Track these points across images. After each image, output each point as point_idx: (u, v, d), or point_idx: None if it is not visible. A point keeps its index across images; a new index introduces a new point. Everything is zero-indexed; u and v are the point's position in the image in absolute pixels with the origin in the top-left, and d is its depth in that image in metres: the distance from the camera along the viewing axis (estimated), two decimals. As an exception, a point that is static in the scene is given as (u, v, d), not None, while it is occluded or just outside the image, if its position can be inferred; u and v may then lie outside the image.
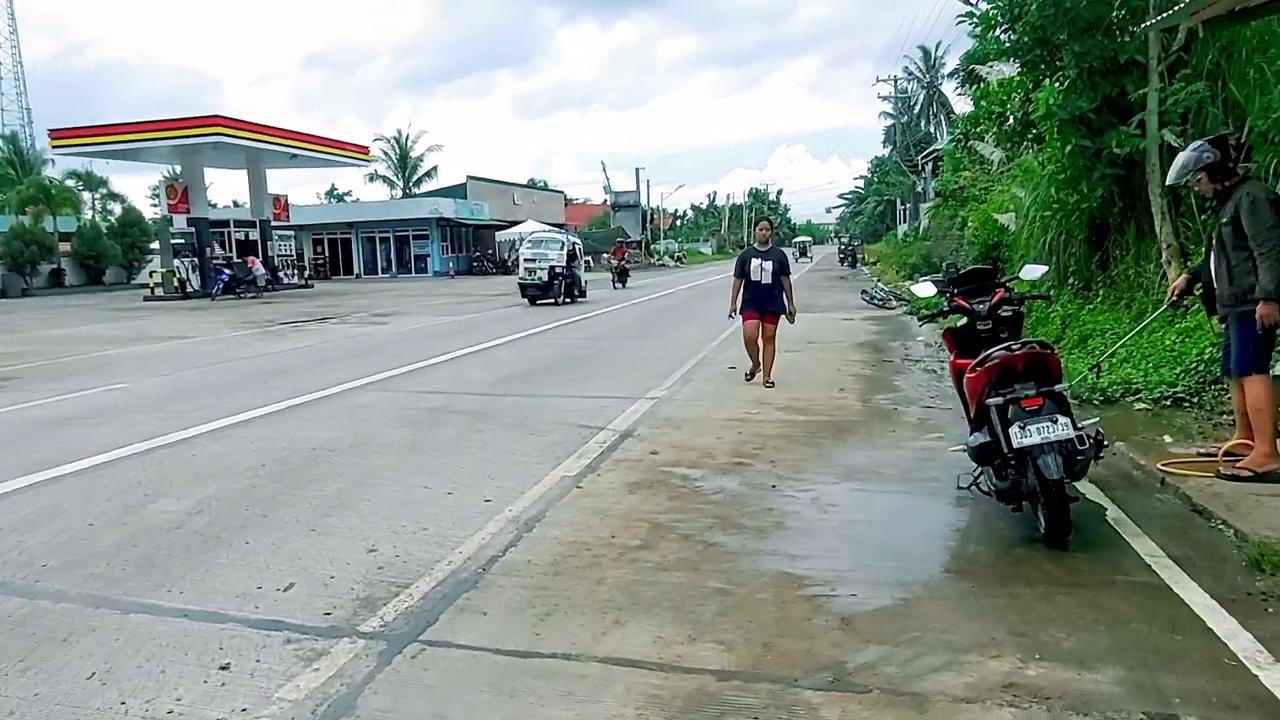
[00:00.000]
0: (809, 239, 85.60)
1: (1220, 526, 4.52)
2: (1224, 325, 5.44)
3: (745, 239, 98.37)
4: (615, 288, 29.13)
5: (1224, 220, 5.09)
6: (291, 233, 42.95)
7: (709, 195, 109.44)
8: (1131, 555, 4.25)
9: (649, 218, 67.09)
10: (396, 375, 10.83)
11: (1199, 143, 5.33)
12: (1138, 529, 4.59)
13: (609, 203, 68.51)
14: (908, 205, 49.54)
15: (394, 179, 61.19)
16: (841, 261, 45.37)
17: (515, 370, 11.15)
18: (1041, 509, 4.33)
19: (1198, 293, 5.69)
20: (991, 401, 4.44)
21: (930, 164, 38.49)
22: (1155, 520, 4.73)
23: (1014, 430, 4.28)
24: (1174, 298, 5.86)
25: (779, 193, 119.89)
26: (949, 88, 51.81)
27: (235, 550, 4.63)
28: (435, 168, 61.47)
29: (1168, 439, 6.20)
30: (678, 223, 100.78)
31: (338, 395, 9.42)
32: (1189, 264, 5.87)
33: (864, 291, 21.07)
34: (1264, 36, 9.88)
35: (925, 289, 5.63)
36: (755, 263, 9.46)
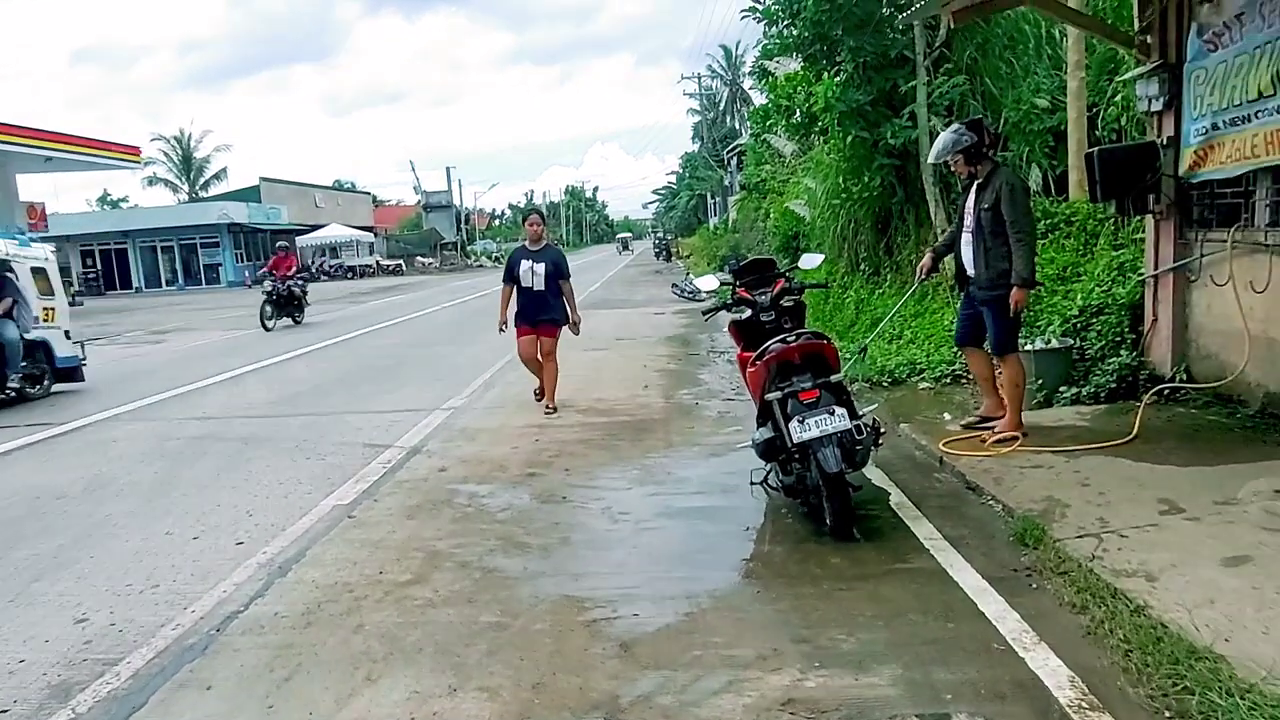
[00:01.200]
0: (630, 234, 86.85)
1: (990, 502, 4.64)
2: (968, 300, 5.67)
3: (564, 236, 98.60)
4: (265, 326, 17.28)
5: (985, 206, 5.26)
6: (53, 245, 38.30)
7: (526, 194, 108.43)
8: (912, 540, 4.25)
9: (464, 218, 65.35)
10: (163, 400, 9.67)
11: (958, 125, 5.55)
12: (918, 511, 4.64)
13: (421, 203, 66.16)
14: (718, 199, 51.10)
15: (178, 182, 56.09)
16: (657, 256, 46.11)
17: (304, 386, 10.25)
18: (825, 502, 4.26)
19: (942, 270, 5.92)
20: (771, 396, 4.33)
21: (735, 158, 39.78)
22: (934, 501, 4.80)
23: (793, 424, 4.18)
24: (923, 276, 6.10)
25: (595, 190, 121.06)
26: (749, 85, 53.91)
27: (-103, 639, 3.76)
28: (225, 169, 56.78)
29: (947, 416, 6.43)
30: (495, 222, 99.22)
31: (88, 428, 8.25)
32: (932, 244, 6.24)
33: (674, 285, 21.31)
34: (1012, 35, 10.66)
35: (709, 282, 5.50)
36: (525, 265, 7.86)
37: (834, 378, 4.35)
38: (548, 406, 7.91)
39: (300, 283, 18.84)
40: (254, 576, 4.26)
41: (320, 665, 3.33)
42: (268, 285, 18.22)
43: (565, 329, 8.16)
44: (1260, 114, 4.99)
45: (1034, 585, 3.65)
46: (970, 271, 5.53)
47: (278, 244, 20.56)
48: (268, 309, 17.81)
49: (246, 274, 43.36)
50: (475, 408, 8.37)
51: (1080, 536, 3.91)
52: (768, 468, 4.73)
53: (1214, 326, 5.72)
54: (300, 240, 48.27)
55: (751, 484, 4.90)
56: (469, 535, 4.73)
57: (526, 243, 8.09)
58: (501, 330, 8.16)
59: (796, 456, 4.34)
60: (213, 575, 4.30)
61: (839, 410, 4.17)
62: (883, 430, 4.68)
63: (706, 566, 4.12)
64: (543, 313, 7.90)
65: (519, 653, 3.34)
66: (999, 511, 4.50)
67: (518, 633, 3.52)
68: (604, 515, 4.96)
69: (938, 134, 9.72)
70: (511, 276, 7.94)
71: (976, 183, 5.39)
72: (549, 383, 8.01)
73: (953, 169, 5.54)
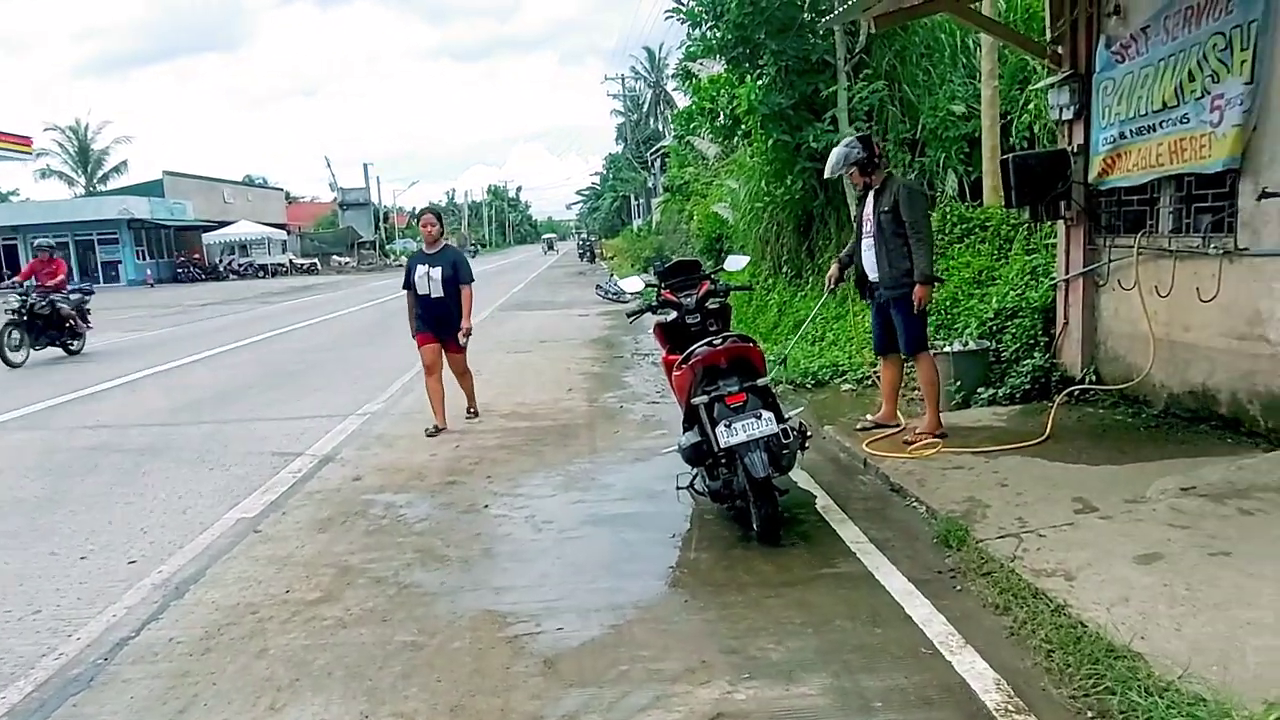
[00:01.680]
0: (554, 235, 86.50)
1: (914, 504, 4.67)
2: (878, 309, 5.79)
3: (487, 237, 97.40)
4: (7, 359, 12.16)
5: (884, 209, 5.42)
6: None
7: (447, 193, 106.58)
8: (838, 544, 4.24)
9: (383, 216, 63.85)
10: (51, 407, 9.07)
11: (849, 139, 5.75)
12: (844, 515, 4.63)
13: (337, 201, 64.34)
14: (641, 200, 51.21)
15: (74, 175, 53.12)
16: (581, 257, 45.90)
17: (207, 392, 9.75)
18: (752, 507, 4.20)
19: (849, 278, 6.03)
20: (698, 400, 4.26)
21: (659, 160, 39.89)
22: (859, 504, 4.81)
23: (720, 429, 4.11)
24: (831, 286, 6.21)
25: (518, 190, 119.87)
26: (673, 87, 54.20)
27: None
28: (125, 162, 53.95)
29: (869, 418, 6.47)
30: (415, 221, 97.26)
31: (-38, 439, 7.64)
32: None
33: (599, 286, 21.20)
34: (929, 43, 10.91)
35: (634, 284, 5.41)
36: (421, 271, 7.00)
37: (761, 381, 4.31)
38: (469, 411, 7.56)
39: (74, 297, 13.67)
40: (147, 599, 3.97)
41: (219, 695, 3.09)
42: (14, 300, 12.78)
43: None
44: (1164, 124, 5.17)
45: (958, 587, 3.66)
46: (873, 276, 5.67)
47: (36, 243, 14.23)
48: (14, 334, 12.46)
49: (149, 273, 41.47)
50: (393, 413, 8.09)
51: (1001, 537, 3.95)
52: (694, 472, 4.65)
53: (1121, 329, 5.91)
54: (207, 237, 46.37)
55: (678, 489, 4.82)
56: (384, 549, 4.51)
57: (423, 245, 7.30)
58: (414, 338, 7.43)
59: (724, 461, 4.28)
60: (101, 598, 3.99)
61: (766, 414, 4.12)
62: (809, 434, 4.67)
63: (632, 576, 4.02)
64: (446, 326, 7.12)
65: (436, 674, 3.17)
66: (923, 513, 4.53)
67: (435, 652, 3.35)
68: (527, 524, 4.81)
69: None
70: (410, 283, 7.17)
71: (873, 191, 5.57)
72: (468, 390, 7.59)
73: (849, 180, 5.66)
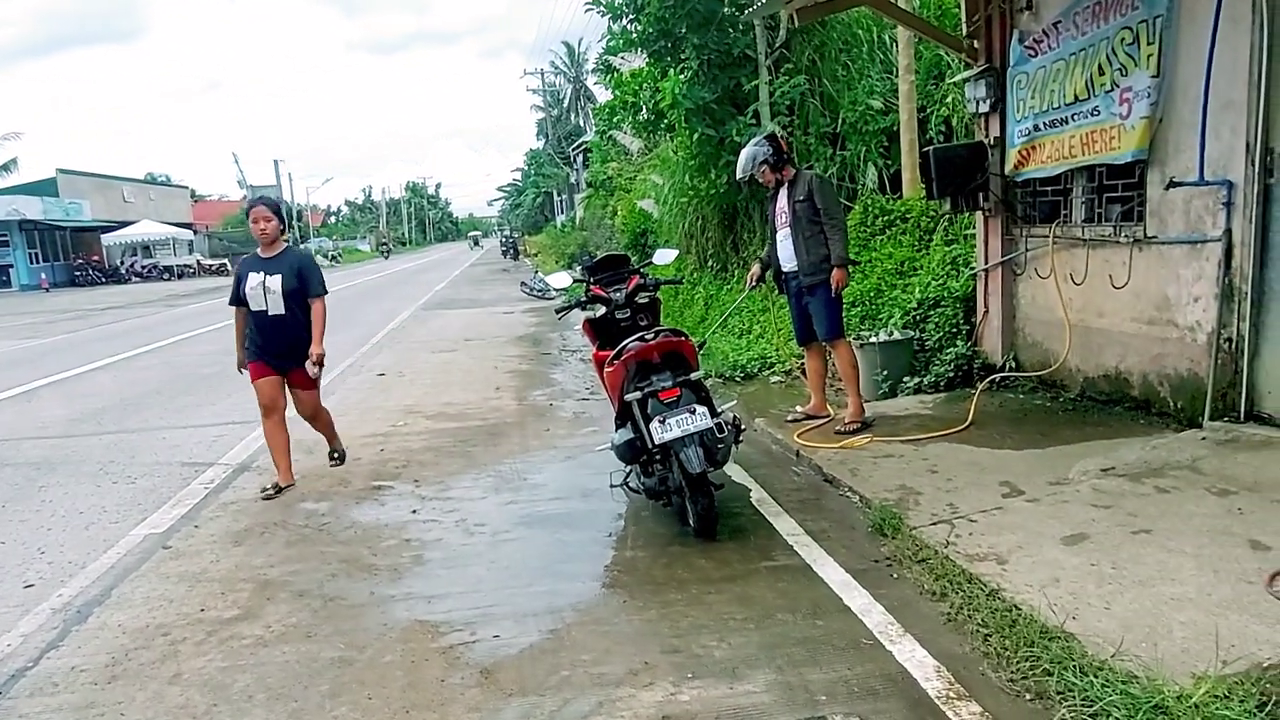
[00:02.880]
0: (479, 233, 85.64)
1: (848, 494, 4.70)
2: (796, 299, 5.87)
3: (406, 235, 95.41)
4: None
5: (799, 199, 5.52)
6: None
7: (364, 190, 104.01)
8: (776, 536, 4.23)
9: (296, 214, 61.84)
10: (-65, 422, 8.42)
11: (758, 138, 5.83)
12: (779, 507, 4.63)
13: (246, 198, 62.03)
14: (564, 196, 50.89)
15: (-43, 174, 49.73)
16: (504, 254, 45.31)
17: (110, 400, 9.22)
18: (689, 503, 4.16)
19: (770, 276, 6.11)
20: (630, 396, 4.19)
21: (581, 155, 39.69)
22: (794, 495, 4.82)
23: (654, 425, 4.05)
24: (752, 284, 6.28)
25: (438, 186, 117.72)
26: (593, 82, 53.97)
27: None
28: (15, 160, 50.78)
29: (799, 409, 6.51)
30: (331, 219, 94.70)
31: None
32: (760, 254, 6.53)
33: (524, 283, 20.94)
34: (847, 39, 11.08)
35: (561, 279, 5.29)
36: (254, 280, 5.30)
37: (694, 375, 4.26)
38: (333, 456, 6.07)
39: None
40: (46, 625, 3.69)
41: (129, 726, 2.88)
42: None
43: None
44: (1076, 116, 5.33)
45: (895, 575, 3.68)
46: (790, 266, 5.74)
47: None
48: None
49: (43, 276, 39.25)
50: (312, 417, 7.77)
51: (934, 523, 4.00)
52: (628, 469, 4.59)
53: (1039, 317, 6.08)
54: (106, 238, 44.13)
55: (611, 486, 4.74)
56: (307, 560, 4.31)
57: (258, 249, 5.46)
58: (241, 371, 5.70)
59: (658, 457, 4.23)
60: (-6, 626, 3.69)
61: (700, 409, 4.08)
62: (743, 427, 4.65)
63: (569, 577, 3.93)
64: (290, 353, 5.43)
65: (367, 690, 3.02)
66: (856, 503, 4.56)
67: (365, 667, 3.19)
68: (458, 529, 4.66)
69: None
70: (239, 297, 5.39)
71: (785, 185, 5.66)
72: (325, 433, 6.04)
73: (760, 179, 5.69)
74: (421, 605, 3.72)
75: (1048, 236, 5.75)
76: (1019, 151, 5.90)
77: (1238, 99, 4.28)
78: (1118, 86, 4.98)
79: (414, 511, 4.98)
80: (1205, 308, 4.62)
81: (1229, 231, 4.42)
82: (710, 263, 12.69)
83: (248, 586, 4.02)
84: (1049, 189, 5.87)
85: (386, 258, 54.29)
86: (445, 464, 5.96)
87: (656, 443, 4.05)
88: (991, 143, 6.17)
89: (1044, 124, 5.62)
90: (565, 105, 61.74)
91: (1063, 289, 5.68)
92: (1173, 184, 4.61)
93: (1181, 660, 2.67)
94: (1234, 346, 4.49)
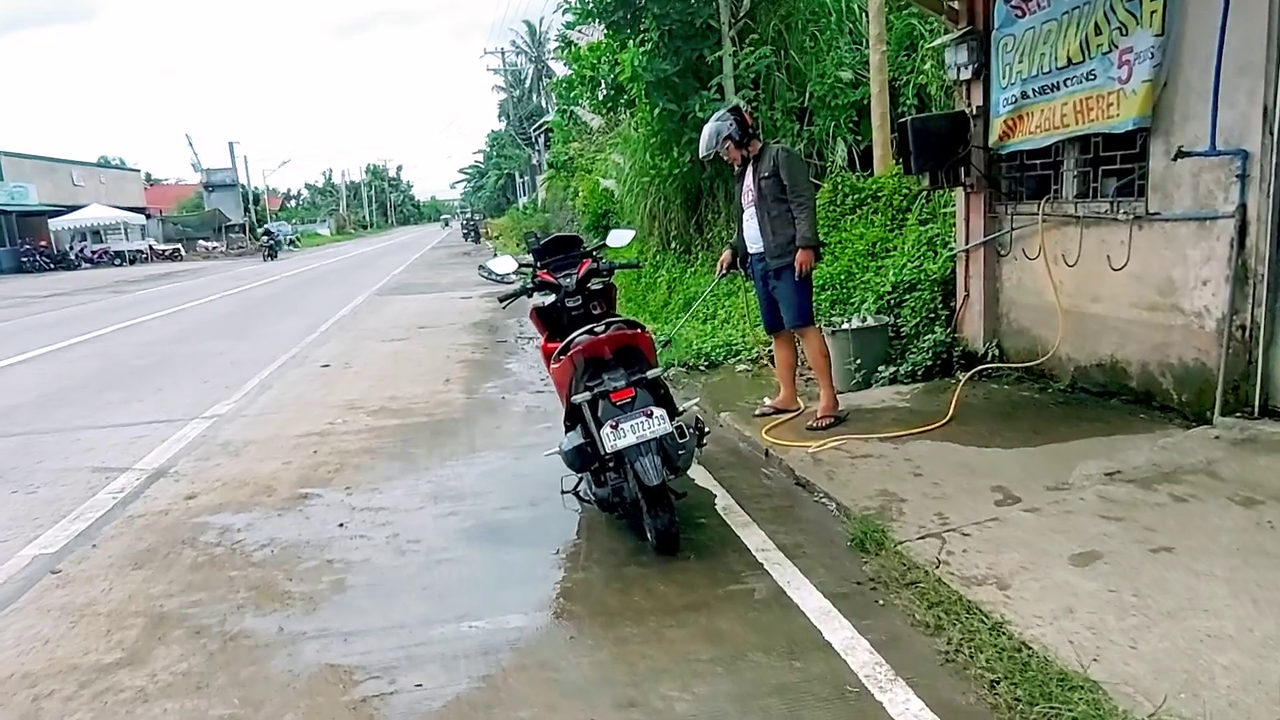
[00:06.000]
0: (449, 215, 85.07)
1: (823, 500, 4.24)
2: (763, 283, 5.42)
3: (367, 218, 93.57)
4: None
5: (764, 175, 5.08)
6: None
7: (324, 173, 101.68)
8: (744, 553, 3.75)
9: (253, 198, 60.16)
10: None
11: (721, 113, 5.34)
12: (747, 516, 4.16)
13: (202, 182, 60.25)
14: (526, 178, 50.01)
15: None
16: (465, 237, 44.44)
17: (28, 396, 8.51)
18: (646, 516, 3.67)
19: (739, 262, 5.65)
20: (579, 398, 3.68)
21: (543, 136, 38.88)
22: (764, 502, 4.35)
23: (606, 431, 3.55)
24: (723, 271, 5.81)
25: (399, 169, 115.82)
26: (555, 60, 52.93)
27: None
28: (-44, 143, 48.85)
29: (768, 401, 6.04)
30: (290, 203, 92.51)
31: None
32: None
33: (482, 266, 20.14)
34: (814, 9, 10.57)
35: (505, 264, 4.74)
36: None
37: (651, 372, 3.76)
38: None
39: None
40: (-116, 679, 3.11)
41: (-47, 821, 2.33)
42: None
43: None
44: (1069, 82, 4.88)
45: (880, 601, 3.22)
46: (755, 247, 5.31)
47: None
48: None
49: (-15, 262, 37.65)
50: (245, 414, 7.18)
51: (922, 537, 3.55)
52: (579, 477, 4.09)
53: (1025, 301, 5.66)
54: (54, 223, 42.42)
55: (562, 493, 4.24)
56: (212, 587, 3.76)
57: None
58: None
59: (611, 465, 3.73)
60: None
61: (658, 411, 3.58)
62: (706, 430, 4.16)
63: (510, 607, 3.41)
64: None
65: (256, 764, 2.50)
66: (833, 511, 4.10)
67: (259, 731, 2.67)
68: (389, 546, 4.13)
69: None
70: None
71: (750, 161, 5.22)
72: None
73: (725, 158, 5.22)
74: (337, 645, 3.19)
75: (1036, 214, 5.32)
76: (1004, 121, 5.45)
77: (1255, 61, 3.85)
78: (1116, 47, 4.53)
79: (341, 525, 4.43)
80: (1215, 291, 4.20)
81: (1243, 207, 4.00)
82: (674, 245, 12.19)
83: (139, 622, 3.47)
84: (1038, 162, 5.43)
85: (269, 258, 36.81)
86: (382, 468, 5.41)
87: (608, 450, 3.55)
88: (974, 113, 5.71)
89: (1033, 91, 5.17)
90: (527, 86, 60.66)
91: (1053, 271, 5.25)
92: (1180, 154, 4.17)
93: (1229, 717, 2.23)
94: (1247, 334, 4.08)
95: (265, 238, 40.33)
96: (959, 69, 5.71)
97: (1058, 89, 4.97)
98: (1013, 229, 5.64)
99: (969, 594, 3.03)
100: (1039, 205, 5.30)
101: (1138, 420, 4.65)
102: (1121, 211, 4.71)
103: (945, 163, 5.68)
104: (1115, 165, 4.80)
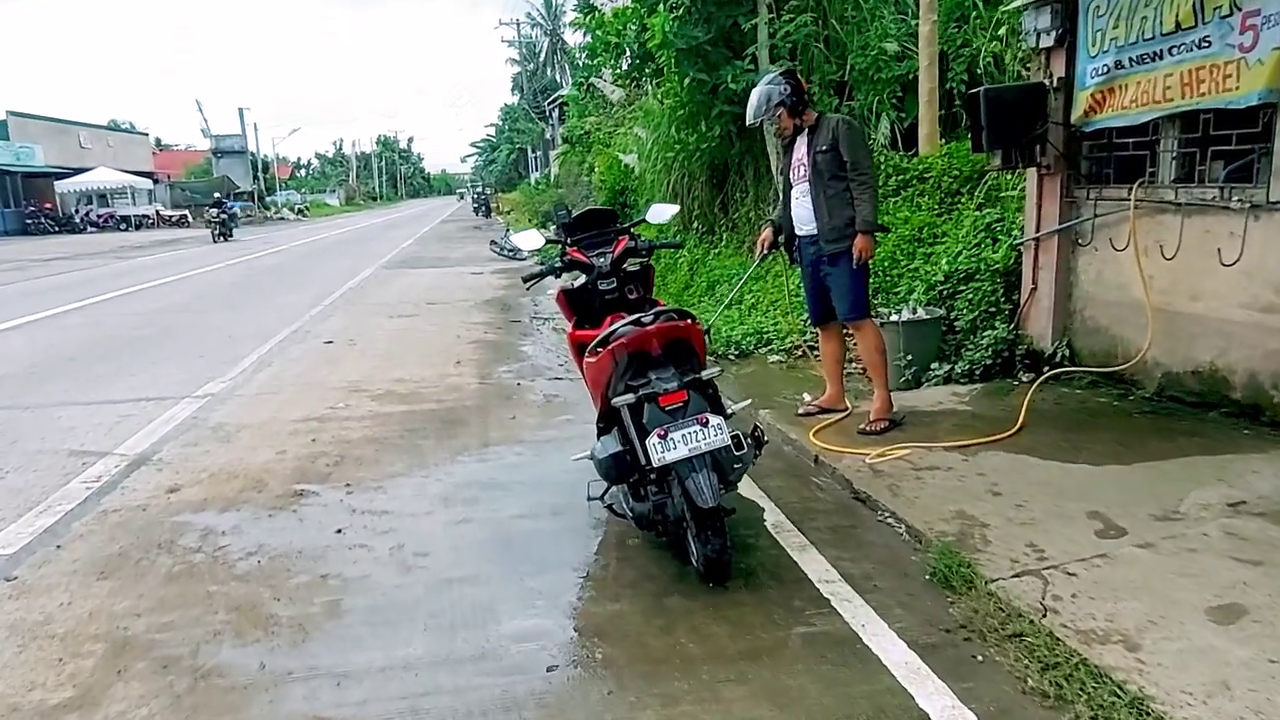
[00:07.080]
0: (463, 189, 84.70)
1: (889, 520, 3.71)
2: (813, 270, 4.88)
3: (377, 190, 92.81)
4: None
5: (821, 148, 4.53)
6: None
7: (335, 143, 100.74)
8: (805, 585, 3.23)
9: (263, 166, 59.51)
10: None
11: (772, 76, 4.75)
12: (803, 537, 3.63)
13: (211, 148, 59.60)
14: (539, 153, 49.24)
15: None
16: (476, 211, 43.78)
17: (15, 367, 8.00)
18: (695, 540, 3.15)
19: (782, 242, 5.08)
20: (621, 400, 3.13)
21: (557, 110, 38.16)
22: (819, 519, 3.82)
23: (653, 440, 3.01)
24: (764, 250, 5.23)
25: (410, 141, 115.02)
26: (571, 37, 51.96)
27: None
28: (-38, 101, 48.25)
29: (807, 397, 5.51)
30: (300, 172, 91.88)
31: None
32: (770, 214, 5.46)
33: (493, 242, 19.68)
34: (857, -24, 9.93)
35: (531, 239, 4.17)
36: None
37: (705, 373, 3.22)
38: None
39: None
40: None
41: None
42: None
43: None
44: (1176, 49, 4.29)
45: (979, 656, 2.70)
46: (808, 229, 4.75)
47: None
48: None
49: (-11, 222, 37.17)
50: (241, 394, 6.67)
51: (1017, 575, 3.02)
52: (609, 487, 3.56)
53: (1105, 297, 5.09)
54: (61, 185, 41.89)
55: (589, 499, 3.72)
56: (188, 605, 3.25)
57: None
58: None
59: (654, 479, 3.20)
60: None
61: (714, 419, 3.04)
62: (765, 438, 3.63)
63: (533, 647, 2.90)
64: None
65: None
66: (903, 534, 3.58)
67: (227, 811, 2.16)
68: (393, 560, 3.62)
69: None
70: None
71: (804, 133, 4.67)
72: None
73: (776, 124, 4.66)
74: (327, 690, 2.68)
75: (1126, 200, 4.74)
76: (1091, 95, 4.85)
77: None
78: (1238, 10, 3.94)
79: (339, 531, 3.92)
80: (1350, 294, 3.65)
81: (1393, 197, 3.44)
82: (696, 224, 11.62)
83: (98, 649, 2.96)
84: (1129, 141, 4.84)
85: (220, 238, 28.26)
86: (387, 462, 4.90)
87: (656, 464, 3.01)
88: (1055, 85, 5.11)
89: (1129, 60, 4.57)
90: (541, 59, 59.69)
91: (1144, 264, 4.67)
92: (1319, 134, 3.60)
93: None
94: (1390, 345, 3.53)
95: (215, 210, 29.30)
96: (1039, 35, 5.10)
97: (1160, 58, 4.38)
98: (1095, 216, 5.05)
99: (1092, 655, 2.50)
100: (1130, 190, 4.71)
101: (1243, 437, 4.11)
102: (1235, 199, 4.13)
103: (1020, 140, 5.08)
104: (1228, 146, 4.22)
